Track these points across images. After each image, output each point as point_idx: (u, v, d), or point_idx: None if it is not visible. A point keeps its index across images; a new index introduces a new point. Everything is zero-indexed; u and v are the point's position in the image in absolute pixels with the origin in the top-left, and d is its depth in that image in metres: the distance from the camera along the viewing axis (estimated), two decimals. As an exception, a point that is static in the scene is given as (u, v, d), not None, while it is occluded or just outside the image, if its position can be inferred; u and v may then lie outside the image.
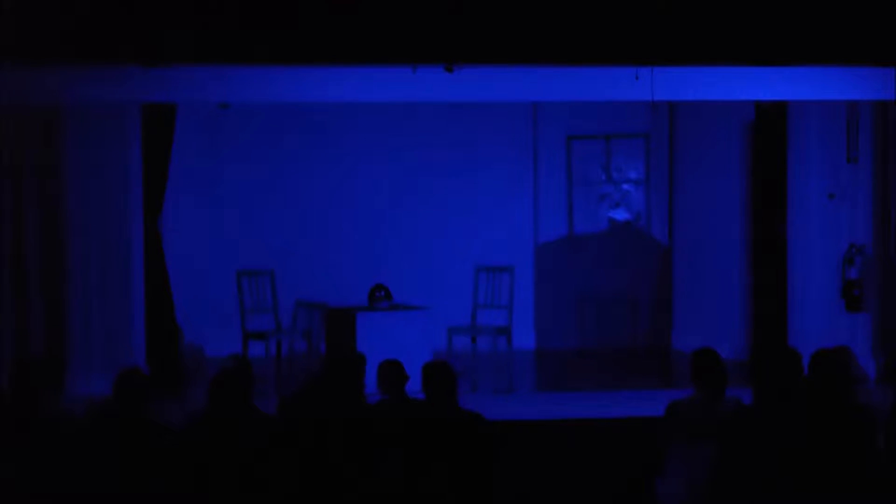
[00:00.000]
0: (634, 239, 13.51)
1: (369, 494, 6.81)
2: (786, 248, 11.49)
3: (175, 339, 11.32)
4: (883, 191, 11.16)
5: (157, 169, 10.99)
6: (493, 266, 12.53)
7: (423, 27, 8.91)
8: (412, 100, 10.35)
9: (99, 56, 8.87)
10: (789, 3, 9.10)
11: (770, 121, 11.70)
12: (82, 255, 10.64)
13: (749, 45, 9.19)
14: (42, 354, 10.29)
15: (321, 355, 11.78)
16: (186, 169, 12.16)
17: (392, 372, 7.71)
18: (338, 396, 7.16)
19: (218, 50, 8.91)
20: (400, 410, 7.38)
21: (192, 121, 11.91)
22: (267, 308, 12.06)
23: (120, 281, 10.72)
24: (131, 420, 6.66)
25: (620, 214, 13.52)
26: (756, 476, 6.23)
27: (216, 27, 8.78)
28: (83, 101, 10.09)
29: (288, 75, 9.81)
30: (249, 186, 12.81)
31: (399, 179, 13.13)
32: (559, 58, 9.26)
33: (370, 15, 8.84)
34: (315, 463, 6.79)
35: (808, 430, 6.21)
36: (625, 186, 13.48)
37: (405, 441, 6.94)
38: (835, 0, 9.11)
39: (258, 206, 12.83)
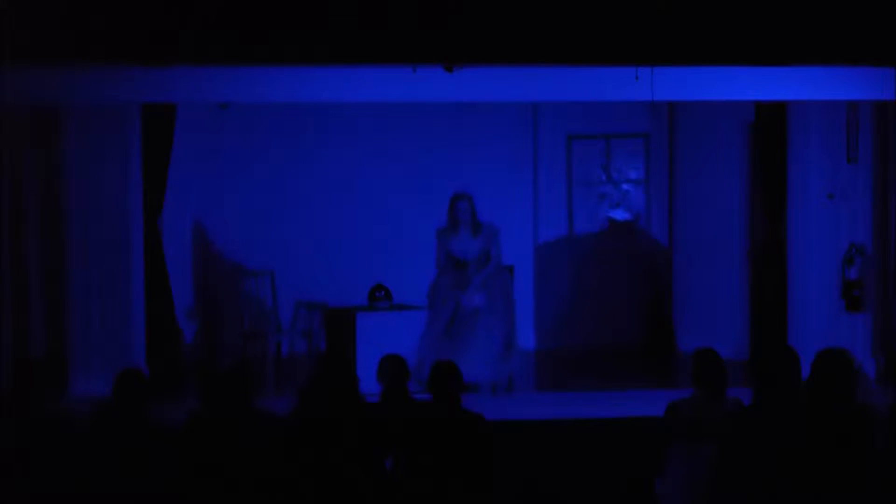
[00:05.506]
0: (635, 239, 13.50)
1: (371, 494, 6.81)
2: (786, 247, 11.48)
3: (175, 340, 11.32)
4: (883, 191, 11.14)
5: (157, 169, 10.98)
6: (494, 266, 12.51)
7: (423, 27, 8.90)
8: (412, 100, 10.33)
9: (99, 56, 8.87)
10: (789, 3, 9.10)
11: (770, 121, 11.69)
12: (82, 255, 10.64)
13: (749, 45, 9.18)
14: (42, 354, 10.29)
15: (319, 354, 11.78)
16: (187, 169, 12.15)
17: (393, 366, 7.72)
18: (335, 396, 7.16)
19: (218, 50, 8.91)
20: (402, 410, 7.39)
21: (192, 121, 11.90)
22: (267, 308, 12.06)
23: (120, 281, 10.72)
24: (131, 420, 6.66)
25: (620, 214, 13.51)
26: (756, 476, 6.24)
27: (216, 27, 8.78)
28: (83, 101, 10.09)
29: (288, 75, 9.81)
30: (249, 186, 12.79)
31: (399, 179, 13.10)
32: (559, 58, 9.26)
33: (370, 15, 8.84)
34: (316, 463, 6.79)
35: (808, 430, 6.21)
36: (625, 186, 13.48)
37: (407, 441, 6.94)
38: (835, 0, 9.11)
39: (258, 206, 12.81)
